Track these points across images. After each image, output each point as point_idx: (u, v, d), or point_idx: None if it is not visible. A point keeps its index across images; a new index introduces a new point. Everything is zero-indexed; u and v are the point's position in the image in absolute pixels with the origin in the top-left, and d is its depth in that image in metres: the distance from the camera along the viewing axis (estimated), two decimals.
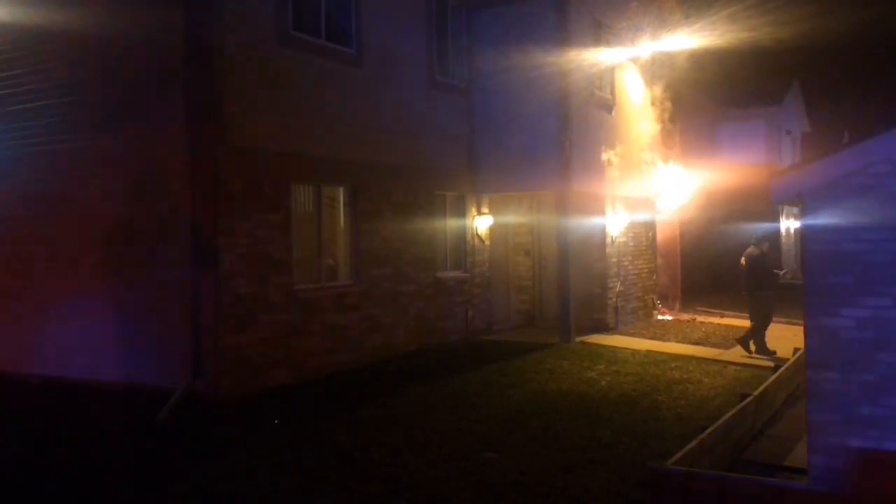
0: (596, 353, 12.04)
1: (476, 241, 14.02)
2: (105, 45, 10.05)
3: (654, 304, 16.34)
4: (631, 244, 15.42)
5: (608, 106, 14.71)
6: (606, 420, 8.24)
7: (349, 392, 9.68)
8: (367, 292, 11.39)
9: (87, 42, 10.17)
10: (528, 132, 13.43)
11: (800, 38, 19.70)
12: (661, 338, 13.66)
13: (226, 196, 9.22)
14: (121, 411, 8.97)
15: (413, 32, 12.68)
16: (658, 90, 16.00)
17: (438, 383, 9.99)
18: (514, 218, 15.34)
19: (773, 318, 12.41)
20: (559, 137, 13.17)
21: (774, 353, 11.75)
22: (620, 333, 14.01)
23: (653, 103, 16.05)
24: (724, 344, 13.03)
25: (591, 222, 14.18)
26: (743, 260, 12.30)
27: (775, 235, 21.04)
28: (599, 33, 14.24)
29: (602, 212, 14.33)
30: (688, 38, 15.06)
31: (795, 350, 10.76)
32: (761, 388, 8.30)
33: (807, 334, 5.08)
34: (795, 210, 18.23)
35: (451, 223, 13.54)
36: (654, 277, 16.62)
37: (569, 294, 13.20)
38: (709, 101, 24.61)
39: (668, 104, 16.20)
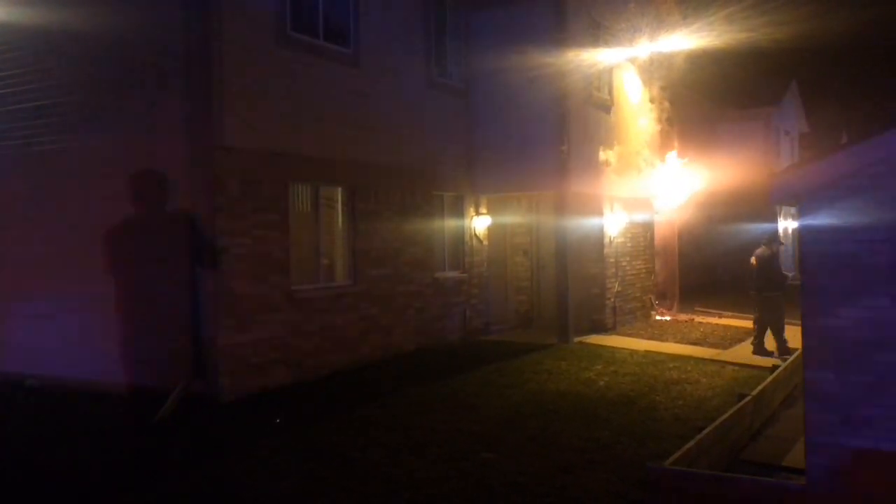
0: (594, 354, 12.05)
1: (474, 241, 14.03)
2: (104, 46, 10.04)
3: (652, 304, 16.36)
4: (629, 244, 15.44)
5: (606, 106, 14.72)
6: (604, 420, 8.25)
7: (348, 392, 9.68)
8: (365, 292, 11.39)
9: (85, 42, 10.17)
10: (526, 132, 13.44)
11: (798, 39, 19.73)
12: (659, 338, 13.68)
13: (224, 196, 9.22)
14: (119, 411, 8.97)
15: (411, 33, 12.68)
16: (656, 91, 16.03)
17: (437, 384, 10.00)
18: (513, 218, 15.35)
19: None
20: (557, 138, 13.18)
21: (772, 353, 11.76)
22: (618, 334, 14.03)
23: (651, 104, 16.08)
24: (722, 344, 13.05)
25: (589, 223, 14.19)
26: (753, 260, 12.23)
27: (773, 236, 21.04)
28: (597, 34, 14.25)
29: (600, 212, 14.34)
30: (686, 39, 15.09)
31: (793, 350, 10.80)
32: (759, 388, 8.32)
33: (804, 335, 5.09)
34: (793, 210, 18.26)
35: (449, 223, 13.55)
36: (653, 278, 16.64)
37: (567, 294, 13.21)
38: (707, 102, 24.66)
39: (666, 105, 16.24)
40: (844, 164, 4.94)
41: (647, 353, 12.17)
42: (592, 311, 14.40)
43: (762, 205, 19.45)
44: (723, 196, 20.53)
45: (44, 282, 10.67)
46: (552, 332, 13.40)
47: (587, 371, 10.78)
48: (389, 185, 11.99)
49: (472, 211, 14.01)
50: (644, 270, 16.12)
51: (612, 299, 14.54)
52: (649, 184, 16.02)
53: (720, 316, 16.37)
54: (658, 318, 16.16)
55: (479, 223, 14.12)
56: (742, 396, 7.89)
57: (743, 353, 12.15)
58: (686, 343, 13.25)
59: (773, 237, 12.60)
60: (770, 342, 11.93)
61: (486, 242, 14.35)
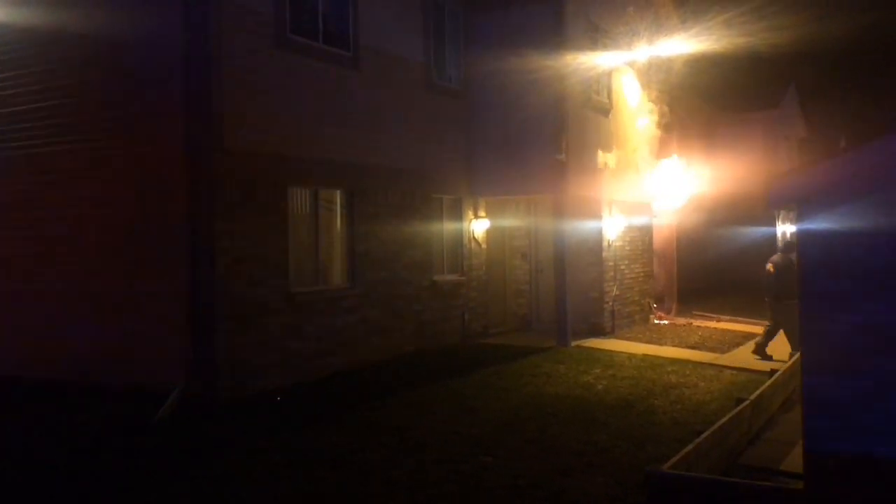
0: (592, 357, 12.05)
1: (473, 244, 14.03)
2: (103, 48, 10.05)
3: (650, 308, 16.36)
4: (627, 248, 15.44)
5: (605, 110, 14.74)
6: (603, 424, 8.25)
7: (346, 394, 9.68)
8: (363, 295, 11.39)
9: (85, 44, 10.17)
10: (524, 135, 13.46)
11: (797, 43, 19.75)
12: (658, 342, 13.68)
13: (223, 198, 9.23)
14: (119, 412, 8.96)
15: (410, 36, 12.70)
16: (655, 94, 16.04)
17: (435, 386, 10.00)
18: (511, 221, 15.36)
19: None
20: (556, 141, 13.19)
21: (772, 357, 11.76)
22: (617, 337, 14.02)
23: (650, 107, 16.09)
24: (721, 348, 13.06)
25: (587, 226, 14.19)
26: (770, 266, 12.15)
27: (772, 240, 21.05)
28: (596, 37, 14.27)
29: (599, 215, 14.34)
30: (684, 43, 15.11)
31: (791, 355, 10.81)
32: (757, 392, 8.31)
33: (803, 339, 5.09)
34: (792, 215, 18.27)
35: (447, 226, 13.55)
36: (651, 281, 16.65)
37: (565, 298, 13.22)
38: (705, 106, 24.67)
39: (664, 108, 16.24)
40: (843, 170, 4.95)
41: (646, 356, 12.17)
42: (591, 314, 14.39)
43: (761, 209, 19.46)
44: (721, 200, 20.55)
45: (43, 282, 10.66)
46: (550, 336, 13.40)
47: (585, 374, 10.79)
48: (388, 187, 12.00)
49: (470, 214, 14.02)
50: (642, 274, 16.12)
51: (611, 303, 14.54)
52: (648, 187, 16.03)
53: (718, 320, 16.37)
54: (656, 321, 16.16)
55: (478, 226, 14.13)
56: (740, 400, 7.88)
57: (741, 356, 12.16)
58: (684, 347, 13.24)
59: (790, 244, 12.49)
60: (774, 349, 11.88)
61: (484, 245, 14.36)
